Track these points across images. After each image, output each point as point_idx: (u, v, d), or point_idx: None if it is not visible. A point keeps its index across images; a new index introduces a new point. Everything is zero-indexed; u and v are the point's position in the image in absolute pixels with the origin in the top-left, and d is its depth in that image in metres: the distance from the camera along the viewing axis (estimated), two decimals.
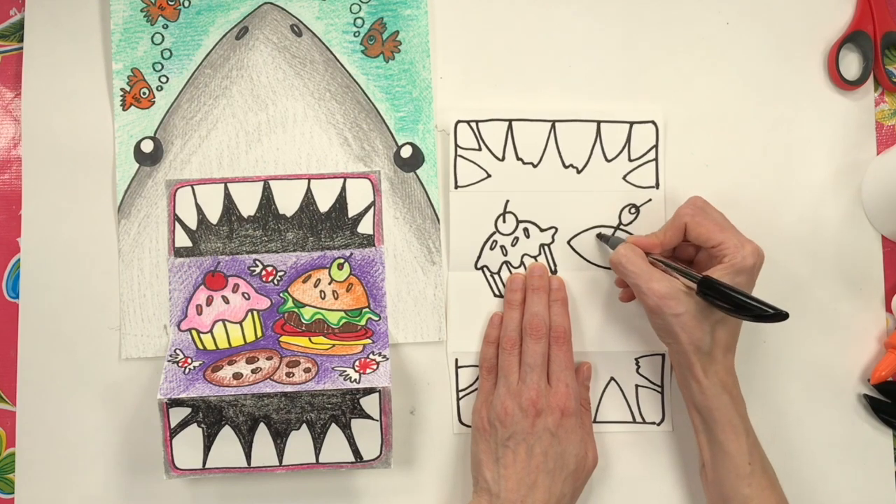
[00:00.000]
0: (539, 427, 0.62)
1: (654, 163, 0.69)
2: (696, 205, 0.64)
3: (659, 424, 0.69)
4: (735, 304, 0.58)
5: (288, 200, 0.69)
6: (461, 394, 0.69)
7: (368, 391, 0.62)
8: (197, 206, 0.68)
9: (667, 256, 0.65)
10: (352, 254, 0.69)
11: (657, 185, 0.69)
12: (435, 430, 0.68)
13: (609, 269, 0.69)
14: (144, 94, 0.69)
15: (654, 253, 0.64)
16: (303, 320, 0.68)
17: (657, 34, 0.71)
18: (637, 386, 0.69)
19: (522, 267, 0.69)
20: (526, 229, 0.69)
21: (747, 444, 0.61)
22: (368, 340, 0.67)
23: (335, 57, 0.70)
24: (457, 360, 0.69)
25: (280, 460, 0.63)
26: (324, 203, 0.69)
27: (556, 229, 0.69)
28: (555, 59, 0.70)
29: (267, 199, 0.69)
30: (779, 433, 0.68)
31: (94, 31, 0.70)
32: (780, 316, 0.57)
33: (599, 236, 0.69)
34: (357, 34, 0.70)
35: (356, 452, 0.63)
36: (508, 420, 0.63)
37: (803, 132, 0.71)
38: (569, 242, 0.69)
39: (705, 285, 0.59)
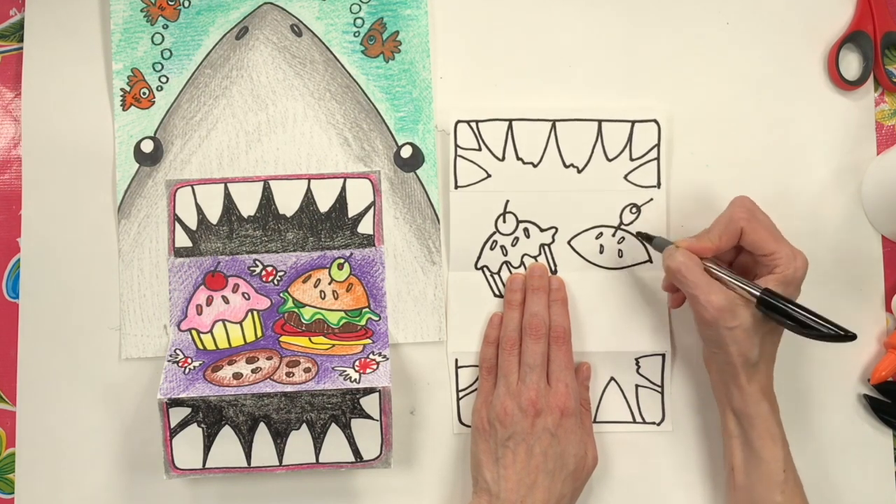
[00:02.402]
0: (538, 427, 0.62)
1: (655, 162, 0.69)
2: (748, 208, 0.62)
3: (659, 424, 0.69)
4: (797, 321, 0.57)
5: (288, 200, 0.69)
6: (461, 394, 0.69)
7: (368, 391, 0.62)
8: (197, 206, 0.68)
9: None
10: (352, 254, 0.69)
11: (658, 185, 0.69)
12: (435, 430, 0.68)
13: (609, 268, 0.69)
14: (144, 94, 0.69)
15: (706, 257, 0.62)
16: (303, 320, 0.68)
17: (657, 34, 0.71)
18: (637, 386, 0.69)
19: (522, 267, 0.69)
20: (526, 229, 0.69)
21: (783, 452, 0.61)
22: (368, 340, 0.67)
23: (335, 57, 0.70)
24: (457, 360, 0.69)
25: (280, 460, 0.63)
26: (324, 203, 0.69)
27: (557, 229, 0.69)
28: (555, 58, 0.70)
29: (267, 199, 0.69)
30: None
31: (94, 31, 0.70)
32: (847, 337, 0.56)
33: (640, 235, 0.68)
34: (357, 34, 0.70)
35: (356, 452, 0.63)
36: (508, 420, 0.63)
37: (803, 132, 0.71)
38: (569, 242, 0.69)
39: (766, 300, 0.58)
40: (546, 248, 0.69)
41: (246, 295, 0.68)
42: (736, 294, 0.60)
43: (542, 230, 0.69)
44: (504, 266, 0.69)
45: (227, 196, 0.69)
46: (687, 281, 0.61)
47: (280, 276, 0.68)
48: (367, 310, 0.68)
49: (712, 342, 0.62)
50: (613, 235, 0.69)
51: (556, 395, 0.63)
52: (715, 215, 0.66)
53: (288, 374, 0.63)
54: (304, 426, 0.62)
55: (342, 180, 0.69)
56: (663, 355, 0.69)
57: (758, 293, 0.59)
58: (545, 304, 0.67)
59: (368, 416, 0.62)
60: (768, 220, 0.63)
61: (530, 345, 0.65)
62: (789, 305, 0.58)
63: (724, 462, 0.64)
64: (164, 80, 0.69)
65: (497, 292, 0.69)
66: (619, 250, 0.69)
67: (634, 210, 0.69)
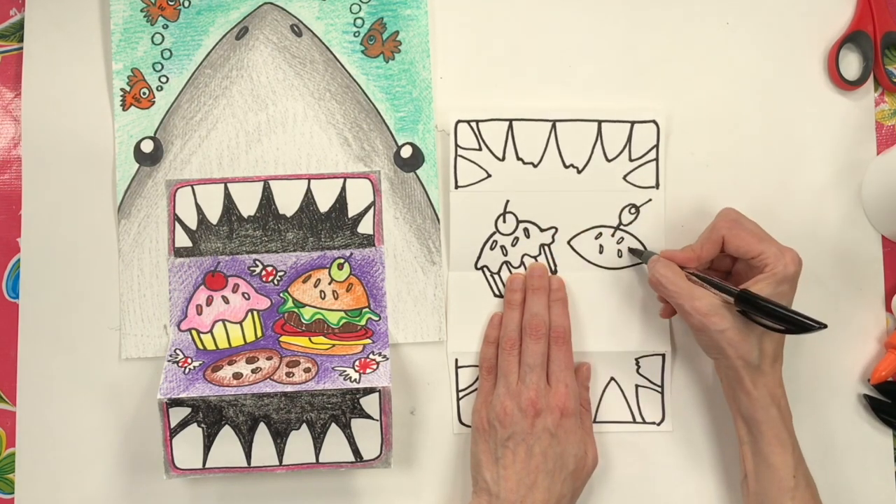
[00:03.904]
0: (538, 427, 0.62)
1: (654, 163, 0.69)
2: (731, 217, 0.63)
3: (659, 424, 0.69)
4: (774, 317, 0.57)
5: (288, 200, 0.69)
6: (461, 394, 0.69)
7: (368, 391, 0.62)
8: (197, 206, 0.68)
9: (704, 269, 0.64)
10: (352, 254, 0.69)
11: (657, 185, 0.69)
12: (435, 430, 0.68)
13: (609, 268, 0.69)
14: (144, 94, 0.69)
15: (689, 267, 0.63)
16: (303, 320, 0.68)
17: (657, 34, 0.71)
18: (637, 386, 0.69)
19: (522, 267, 0.69)
20: (526, 229, 0.69)
21: (793, 458, 0.60)
22: (368, 340, 0.67)
23: (335, 57, 0.70)
24: (457, 360, 0.69)
25: (280, 460, 0.63)
26: (324, 203, 0.69)
27: (557, 229, 0.69)
28: (555, 58, 0.70)
29: (267, 199, 0.69)
30: None
31: (94, 31, 0.70)
32: (817, 326, 0.56)
33: (631, 251, 0.68)
34: (357, 34, 0.70)
35: (356, 452, 0.63)
36: (508, 420, 0.63)
37: (803, 132, 0.71)
38: (569, 242, 0.69)
39: (742, 299, 0.58)
40: (546, 248, 0.69)
41: (246, 295, 0.68)
42: (720, 297, 0.60)
43: (542, 230, 0.69)
44: (504, 266, 0.69)
45: (227, 196, 0.69)
46: (669, 291, 0.62)
47: (280, 276, 0.68)
48: (367, 310, 0.68)
49: (710, 348, 0.62)
50: (613, 235, 0.69)
51: (556, 395, 0.63)
52: (714, 216, 0.66)
53: (288, 374, 0.63)
54: (304, 426, 0.62)
55: (342, 180, 0.69)
56: (663, 355, 0.69)
57: (735, 293, 0.59)
58: (545, 304, 0.67)
59: (368, 416, 0.62)
60: (754, 225, 0.63)
61: (530, 345, 0.65)
62: (763, 302, 0.58)
63: (740, 468, 0.64)
64: (164, 80, 0.69)
65: (497, 292, 0.69)
66: (619, 250, 0.69)
67: (633, 210, 0.69)
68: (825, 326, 0.56)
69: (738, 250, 0.62)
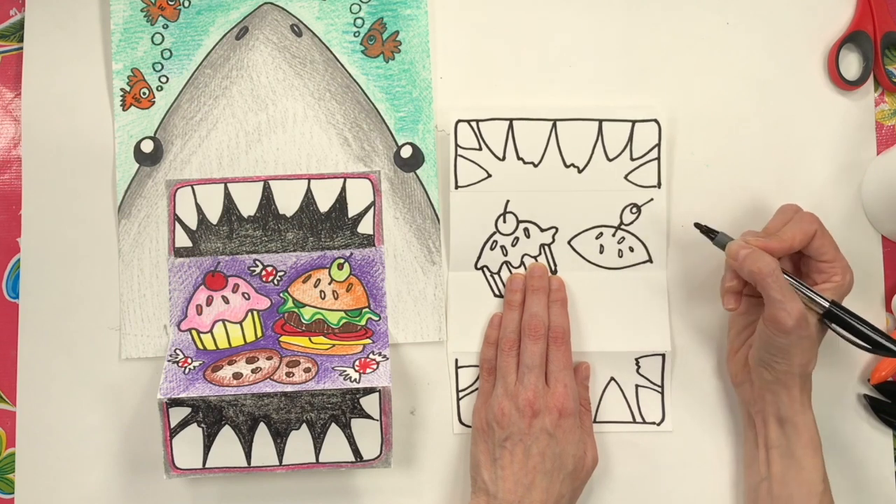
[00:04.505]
0: (536, 427, 0.62)
1: (656, 162, 0.69)
2: (812, 215, 0.62)
3: (659, 424, 0.69)
4: (859, 336, 0.58)
5: (288, 200, 0.69)
6: (461, 394, 0.69)
7: (368, 391, 0.62)
8: (197, 206, 0.68)
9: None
10: (352, 254, 0.69)
11: (659, 185, 0.69)
12: (435, 430, 0.68)
13: (609, 268, 0.69)
14: (144, 94, 0.69)
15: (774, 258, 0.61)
16: (303, 320, 0.68)
17: (658, 33, 0.71)
18: (637, 386, 0.69)
19: (522, 267, 0.69)
20: (526, 229, 0.69)
21: (822, 461, 0.61)
22: (368, 340, 0.67)
23: (335, 57, 0.70)
24: (457, 361, 0.69)
25: (280, 460, 0.63)
26: (324, 203, 0.69)
27: (557, 229, 0.69)
28: (555, 58, 0.70)
29: (267, 199, 0.69)
30: None
31: (94, 31, 0.70)
32: None
33: (701, 228, 0.65)
34: (357, 34, 0.70)
35: (356, 452, 0.63)
36: (505, 421, 0.63)
37: (803, 132, 0.71)
38: (569, 242, 0.69)
39: (831, 312, 0.59)
40: (546, 248, 0.69)
41: (246, 295, 0.68)
42: (804, 303, 0.59)
43: (542, 230, 0.69)
44: (504, 266, 0.69)
45: (227, 196, 0.69)
46: (772, 287, 0.58)
47: (280, 276, 0.68)
48: (367, 310, 0.68)
49: (778, 350, 0.59)
50: (613, 235, 0.69)
51: (555, 395, 0.63)
52: (715, 215, 0.66)
53: (288, 374, 0.63)
54: (304, 426, 0.62)
55: (342, 180, 0.69)
56: (663, 355, 0.69)
57: (826, 304, 0.59)
58: (545, 304, 0.67)
59: (368, 416, 0.62)
60: None
61: (529, 345, 0.65)
62: (855, 320, 0.58)
63: (751, 472, 0.64)
64: (164, 80, 0.69)
65: (497, 292, 0.69)
66: (619, 250, 0.69)
67: (635, 210, 0.69)
68: None
69: (819, 248, 0.61)
